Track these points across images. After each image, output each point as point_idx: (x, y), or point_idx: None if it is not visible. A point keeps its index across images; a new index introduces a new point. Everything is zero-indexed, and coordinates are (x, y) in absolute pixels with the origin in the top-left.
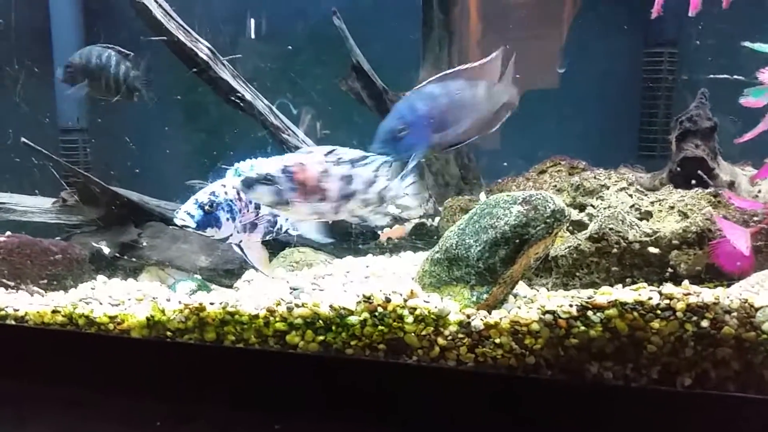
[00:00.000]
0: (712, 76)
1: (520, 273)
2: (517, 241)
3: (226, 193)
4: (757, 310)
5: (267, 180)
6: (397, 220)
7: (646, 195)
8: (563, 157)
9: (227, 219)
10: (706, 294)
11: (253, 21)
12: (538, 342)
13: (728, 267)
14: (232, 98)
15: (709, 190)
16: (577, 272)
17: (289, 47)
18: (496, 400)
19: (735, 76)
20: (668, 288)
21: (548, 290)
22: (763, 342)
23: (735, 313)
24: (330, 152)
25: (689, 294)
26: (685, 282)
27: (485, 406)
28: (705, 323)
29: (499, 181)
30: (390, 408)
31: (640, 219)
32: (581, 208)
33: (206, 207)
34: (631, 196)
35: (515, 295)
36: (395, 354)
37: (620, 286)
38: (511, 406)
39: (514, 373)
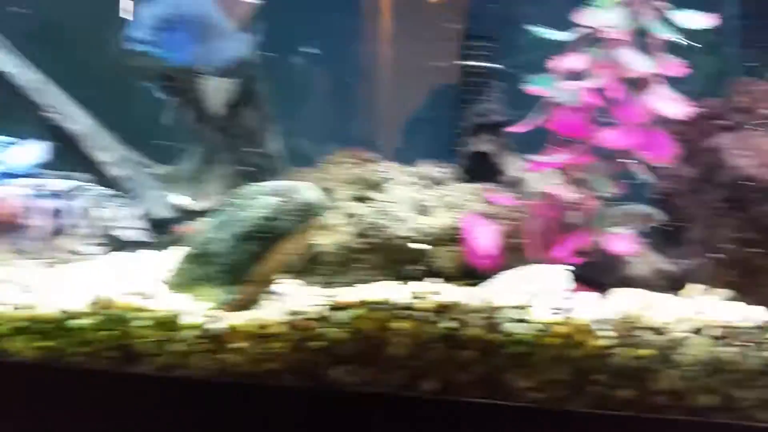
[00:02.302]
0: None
1: (274, 270)
2: (266, 235)
3: None
4: (499, 310)
5: None
6: (189, 213)
7: (431, 189)
8: (358, 148)
9: None
10: (454, 293)
11: None
12: (281, 346)
13: (479, 265)
14: None
15: (478, 185)
16: (344, 269)
17: None
18: (234, 411)
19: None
20: (416, 286)
21: (314, 288)
22: (505, 344)
23: (479, 314)
24: (35, 184)
25: (436, 293)
26: (435, 280)
27: (224, 418)
28: (449, 324)
29: (292, 172)
30: (120, 423)
31: (421, 213)
32: (364, 201)
33: None
34: (418, 190)
35: (272, 294)
36: (129, 361)
37: (385, 283)
38: (250, 417)
39: (254, 381)
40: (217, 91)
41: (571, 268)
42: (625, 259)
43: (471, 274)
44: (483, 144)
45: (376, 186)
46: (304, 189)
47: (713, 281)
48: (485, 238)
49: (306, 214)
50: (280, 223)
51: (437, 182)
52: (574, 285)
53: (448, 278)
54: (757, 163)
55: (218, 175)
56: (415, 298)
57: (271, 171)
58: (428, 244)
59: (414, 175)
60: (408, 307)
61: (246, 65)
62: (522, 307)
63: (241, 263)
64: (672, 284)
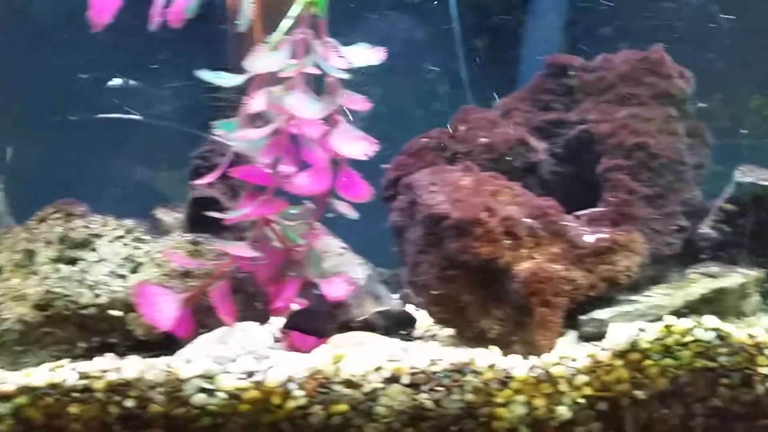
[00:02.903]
0: None
1: None
2: None
3: None
4: (184, 382)
5: None
6: None
7: (147, 243)
8: (69, 201)
9: None
10: (129, 369)
11: None
12: None
13: (171, 331)
14: None
15: (188, 237)
16: (30, 348)
17: None
18: None
19: None
20: (85, 365)
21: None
22: (195, 418)
23: (162, 388)
24: None
25: (108, 371)
26: (110, 355)
27: None
28: (130, 403)
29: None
30: None
31: (134, 272)
32: (74, 261)
33: None
34: (127, 245)
35: None
36: None
37: (64, 362)
38: None
39: None
40: None
41: (284, 320)
42: (345, 303)
43: (170, 341)
44: (207, 189)
45: (81, 244)
46: None
47: (433, 320)
48: (162, 304)
49: None
50: None
51: (165, 232)
52: (286, 338)
53: (144, 347)
54: (449, 199)
55: None
56: (86, 378)
57: None
58: (126, 309)
59: (119, 228)
60: (83, 389)
61: None
62: (210, 376)
63: None
64: (398, 324)
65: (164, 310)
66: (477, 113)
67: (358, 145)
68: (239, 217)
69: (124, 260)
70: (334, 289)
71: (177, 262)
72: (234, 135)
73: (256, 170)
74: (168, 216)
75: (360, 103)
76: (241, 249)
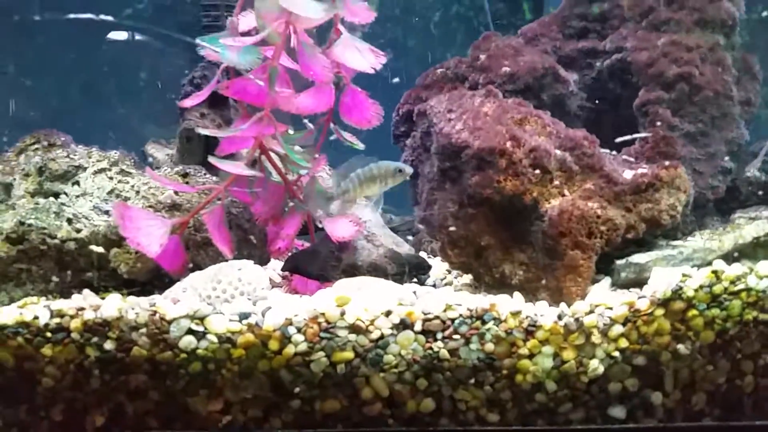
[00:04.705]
0: None
1: None
2: None
3: None
4: (170, 323)
5: None
6: None
7: (132, 176)
8: (50, 131)
9: None
10: (108, 307)
11: None
12: None
13: (166, 265)
14: None
15: (178, 168)
16: (3, 285)
17: None
18: None
19: None
20: (59, 303)
21: None
22: (183, 363)
23: (144, 329)
24: None
25: (83, 309)
26: (84, 293)
27: None
28: (109, 345)
29: None
30: None
31: None
32: (55, 195)
33: None
34: (111, 178)
35: None
36: None
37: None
38: None
39: None
40: None
41: (285, 259)
42: (353, 244)
43: (157, 280)
44: (199, 119)
45: (62, 177)
46: None
47: (449, 264)
48: (149, 228)
49: None
50: None
51: (158, 165)
52: (286, 280)
53: (130, 287)
54: (468, 127)
55: None
56: (59, 316)
57: None
58: (110, 244)
59: (103, 160)
60: (57, 329)
61: None
62: (199, 317)
63: None
64: (410, 270)
65: (151, 235)
66: (499, 40)
67: (363, 57)
68: (231, 135)
69: (109, 194)
70: (339, 229)
71: (162, 183)
72: (223, 48)
73: (250, 86)
74: (160, 152)
75: (363, 12)
76: (234, 167)
